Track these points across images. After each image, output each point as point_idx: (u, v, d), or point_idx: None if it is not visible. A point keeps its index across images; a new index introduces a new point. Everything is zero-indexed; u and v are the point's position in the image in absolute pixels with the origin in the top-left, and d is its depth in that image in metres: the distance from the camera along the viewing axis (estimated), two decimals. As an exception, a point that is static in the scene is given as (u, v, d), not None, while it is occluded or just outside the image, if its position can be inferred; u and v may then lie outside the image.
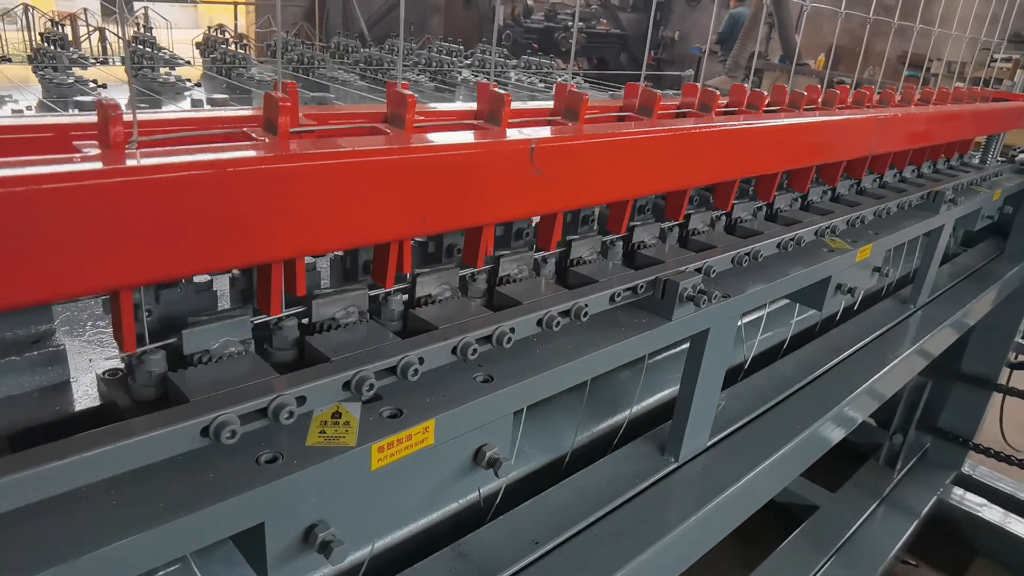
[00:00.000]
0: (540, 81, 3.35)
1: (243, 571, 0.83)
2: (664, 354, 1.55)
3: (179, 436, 0.58)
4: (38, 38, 2.87)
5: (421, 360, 0.74)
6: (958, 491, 3.01)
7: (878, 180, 1.85)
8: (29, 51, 2.57)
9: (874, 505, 2.73)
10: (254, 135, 0.65)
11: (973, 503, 2.95)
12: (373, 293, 0.82)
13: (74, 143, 0.55)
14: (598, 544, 1.02)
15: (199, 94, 2.12)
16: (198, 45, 3.12)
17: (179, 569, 0.77)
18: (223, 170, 0.54)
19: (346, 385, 0.68)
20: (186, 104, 2.00)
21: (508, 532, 1.00)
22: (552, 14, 14.31)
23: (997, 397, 2.97)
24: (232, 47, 2.74)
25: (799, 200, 1.57)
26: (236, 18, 9.37)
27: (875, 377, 1.61)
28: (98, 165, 0.50)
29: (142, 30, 2.86)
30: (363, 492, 0.69)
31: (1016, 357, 2.98)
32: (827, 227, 1.45)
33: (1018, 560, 2.81)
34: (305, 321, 0.77)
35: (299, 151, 0.59)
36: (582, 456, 1.26)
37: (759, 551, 2.41)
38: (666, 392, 1.51)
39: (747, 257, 1.22)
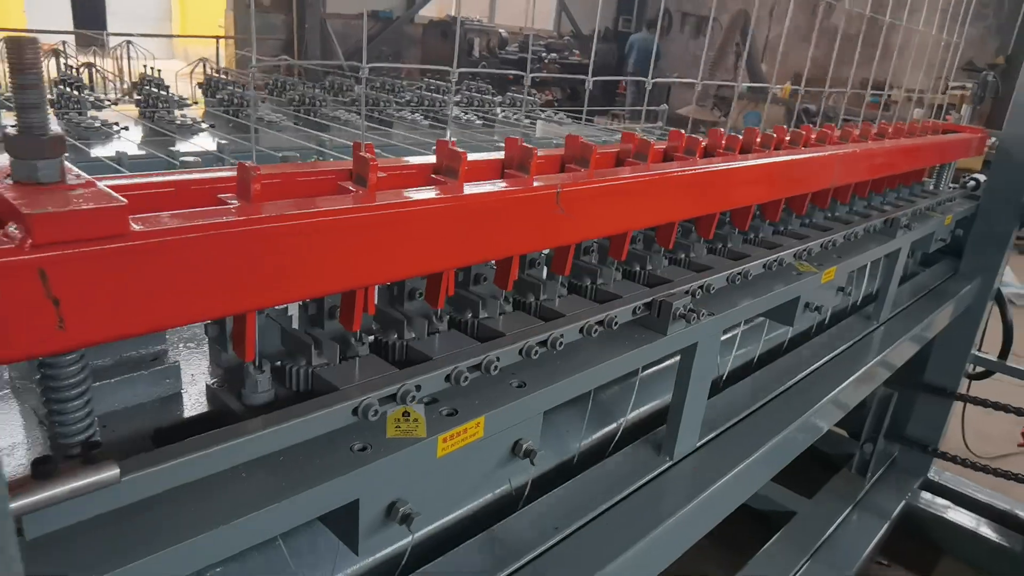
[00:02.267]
0: (525, 117, 3.55)
1: (316, 558, 0.97)
2: (652, 369, 1.71)
3: (336, 416, 0.74)
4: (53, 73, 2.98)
5: (466, 372, 0.90)
6: (925, 495, 3.21)
7: (840, 209, 2.06)
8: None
9: (847, 510, 2.91)
10: (350, 187, 0.81)
11: (939, 506, 3.15)
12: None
13: (219, 196, 0.71)
14: (608, 529, 1.18)
15: (212, 137, 2.27)
16: (200, 84, 3.27)
17: (270, 551, 0.91)
18: (340, 217, 0.70)
19: (414, 389, 0.84)
20: (212, 144, 2.14)
21: (532, 519, 1.16)
22: (526, 45, 14.66)
23: (959, 407, 3.18)
24: (239, 88, 2.89)
25: (772, 228, 1.76)
26: (219, 51, 9.54)
27: (842, 386, 1.80)
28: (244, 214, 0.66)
29: (148, 70, 3.00)
30: (430, 475, 0.84)
31: (974, 368, 3.20)
32: (795, 252, 1.64)
33: (982, 558, 3.01)
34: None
35: (390, 201, 0.76)
36: (588, 457, 1.42)
37: (741, 555, 2.56)
38: (656, 403, 1.67)
39: (740, 276, 1.41)
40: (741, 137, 1.52)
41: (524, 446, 0.95)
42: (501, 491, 1.21)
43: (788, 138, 1.65)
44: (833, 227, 1.85)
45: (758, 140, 1.54)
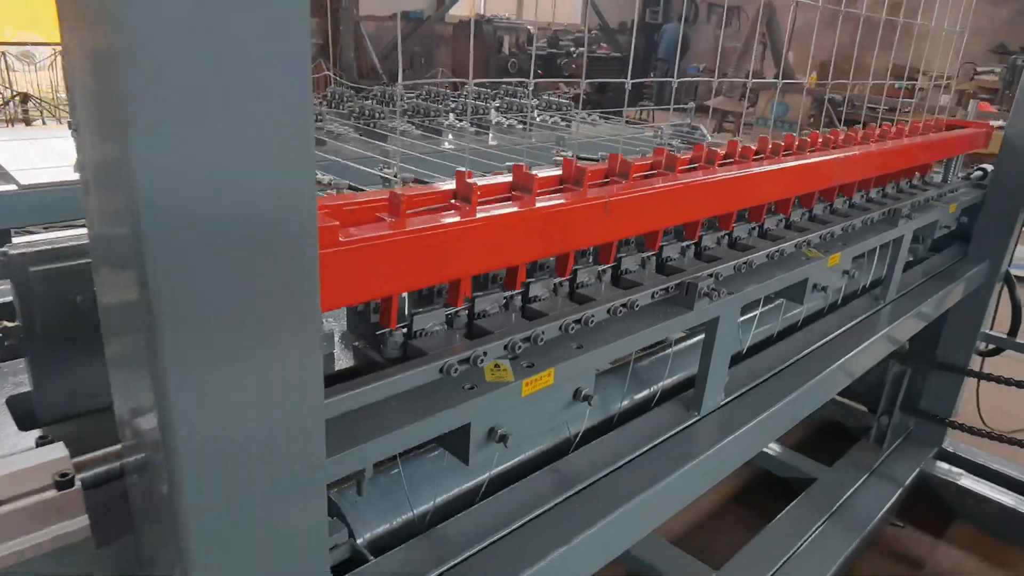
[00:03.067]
0: (561, 119, 3.84)
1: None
2: (682, 345, 2.00)
3: (428, 372, 1.06)
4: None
5: (543, 333, 1.21)
6: (940, 464, 3.45)
7: (847, 202, 2.32)
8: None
9: (864, 477, 3.17)
10: (456, 204, 1.13)
11: (953, 473, 3.39)
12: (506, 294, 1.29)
13: (377, 214, 1.03)
14: (647, 464, 1.48)
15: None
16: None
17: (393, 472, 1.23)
18: (455, 228, 1.02)
19: (506, 347, 1.16)
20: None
21: (586, 458, 1.46)
22: (554, 40, 14.92)
23: (972, 384, 3.41)
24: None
25: (784, 221, 2.04)
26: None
27: (848, 356, 2.07)
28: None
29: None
30: (517, 409, 1.16)
31: (987, 346, 3.43)
32: (804, 241, 1.92)
33: (993, 522, 3.24)
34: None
35: (490, 214, 1.07)
36: (628, 416, 1.72)
37: (765, 518, 2.85)
38: (685, 373, 1.96)
39: (744, 265, 1.70)
40: (754, 146, 1.80)
41: (583, 392, 1.26)
42: (561, 437, 1.52)
43: (796, 144, 1.93)
44: (832, 220, 2.12)
45: (769, 147, 1.82)
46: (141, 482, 0.74)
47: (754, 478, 3.42)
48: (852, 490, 3.07)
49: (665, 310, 1.49)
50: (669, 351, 1.86)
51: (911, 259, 3.05)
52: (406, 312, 1.19)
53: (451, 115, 3.51)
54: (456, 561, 1.17)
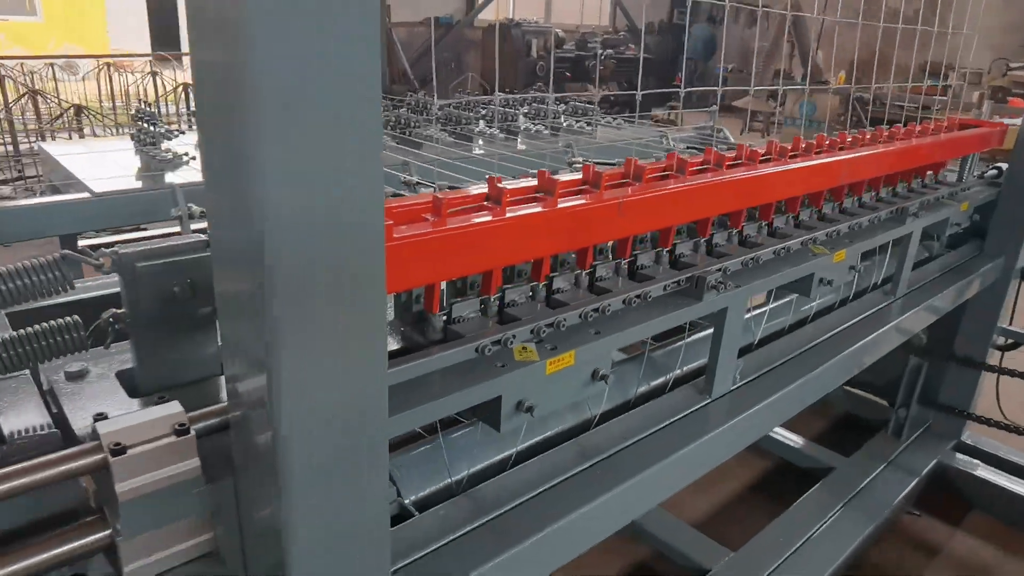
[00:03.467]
0: (587, 124, 4.00)
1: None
2: (695, 336, 2.15)
3: (466, 352, 1.23)
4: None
5: (564, 320, 1.38)
6: (959, 456, 3.54)
7: (858, 200, 2.45)
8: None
9: (881, 467, 3.28)
10: (487, 205, 1.30)
11: (971, 465, 3.47)
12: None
13: (422, 215, 1.21)
14: (663, 439, 1.64)
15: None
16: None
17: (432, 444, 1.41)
18: (484, 227, 1.19)
19: (532, 332, 1.33)
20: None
21: (605, 434, 1.63)
22: (582, 43, 15.04)
23: (991, 377, 3.48)
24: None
25: (793, 220, 2.18)
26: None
27: (855, 346, 2.20)
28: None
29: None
30: (542, 385, 1.33)
31: (1006, 341, 3.51)
32: (811, 238, 2.06)
33: (1010, 512, 3.32)
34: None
35: (518, 214, 1.24)
36: (644, 400, 1.88)
37: (783, 506, 2.97)
38: (698, 363, 2.11)
39: (752, 260, 1.85)
40: (761, 150, 1.95)
41: (600, 372, 1.43)
42: (583, 418, 1.69)
43: (802, 146, 2.07)
44: (839, 219, 2.25)
45: (776, 149, 1.97)
46: (243, 434, 0.92)
47: (774, 468, 3.54)
48: (869, 479, 3.18)
49: (676, 301, 1.65)
50: (682, 342, 2.01)
51: (927, 256, 3.15)
52: (445, 302, 1.37)
53: (481, 122, 3.70)
54: (489, 517, 1.34)
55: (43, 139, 7.96)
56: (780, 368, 2.03)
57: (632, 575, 2.90)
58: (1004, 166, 3.27)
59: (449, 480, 1.46)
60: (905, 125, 2.61)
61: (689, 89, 2.45)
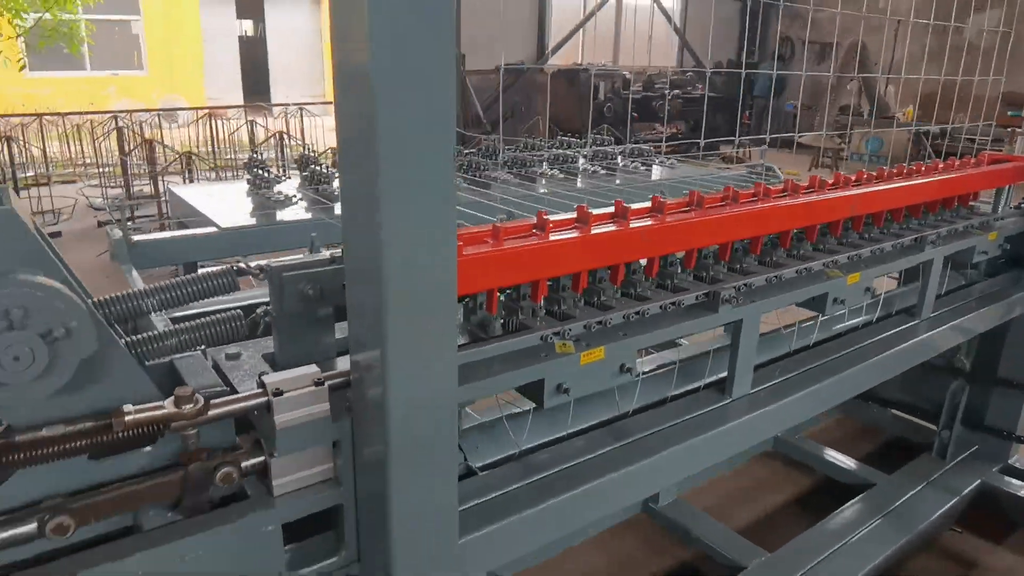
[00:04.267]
0: (642, 165, 4.37)
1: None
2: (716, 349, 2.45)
3: (517, 344, 1.62)
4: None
5: (599, 323, 1.75)
6: (1004, 477, 3.65)
7: (882, 230, 2.71)
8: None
9: (922, 484, 3.44)
10: (535, 232, 1.69)
11: (1016, 486, 3.58)
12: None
13: (485, 239, 1.60)
14: (689, 426, 1.97)
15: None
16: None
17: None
18: (531, 248, 1.58)
19: (585, 327, 1.70)
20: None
21: (639, 421, 1.97)
22: (649, 84, 15.44)
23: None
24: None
25: (811, 247, 2.47)
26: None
27: (871, 360, 2.46)
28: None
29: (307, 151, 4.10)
30: (578, 373, 1.69)
31: (1054, 366, 3.63)
32: (831, 261, 2.36)
33: (1057, 533, 3.42)
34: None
35: (561, 238, 1.63)
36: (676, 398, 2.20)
37: (822, 518, 3.19)
38: (721, 375, 2.41)
39: (775, 278, 2.17)
40: (780, 186, 2.27)
41: (627, 366, 1.78)
42: (618, 413, 2.04)
43: (831, 181, 2.38)
44: (861, 244, 2.54)
45: (806, 184, 2.29)
46: (360, 390, 1.33)
47: (818, 484, 3.74)
48: (908, 495, 3.35)
49: (696, 313, 1.98)
50: (710, 351, 2.33)
51: (963, 283, 3.36)
52: (503, 309, 1.76)
53: (544, 164, 4.11)
54: (538, 476, 1.71)
55: (154, 182, 8.89)
56: (797, 376, 2.32)
57: (678, 573, 3.16)
58: (1037, 199, 3.44)
59: (508, 453, 1.84)
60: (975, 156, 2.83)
61: (744, 130, 2.78)
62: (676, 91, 15.52)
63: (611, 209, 1.91)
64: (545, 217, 1.69)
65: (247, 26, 23.51)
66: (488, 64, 13.47)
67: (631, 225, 1.80)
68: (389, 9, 1.06)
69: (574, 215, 1.83)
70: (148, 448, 1.30)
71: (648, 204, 1.98)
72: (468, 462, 1.76)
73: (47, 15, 9.12)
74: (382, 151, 1.10)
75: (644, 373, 2.24)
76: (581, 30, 16.53)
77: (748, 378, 2.19)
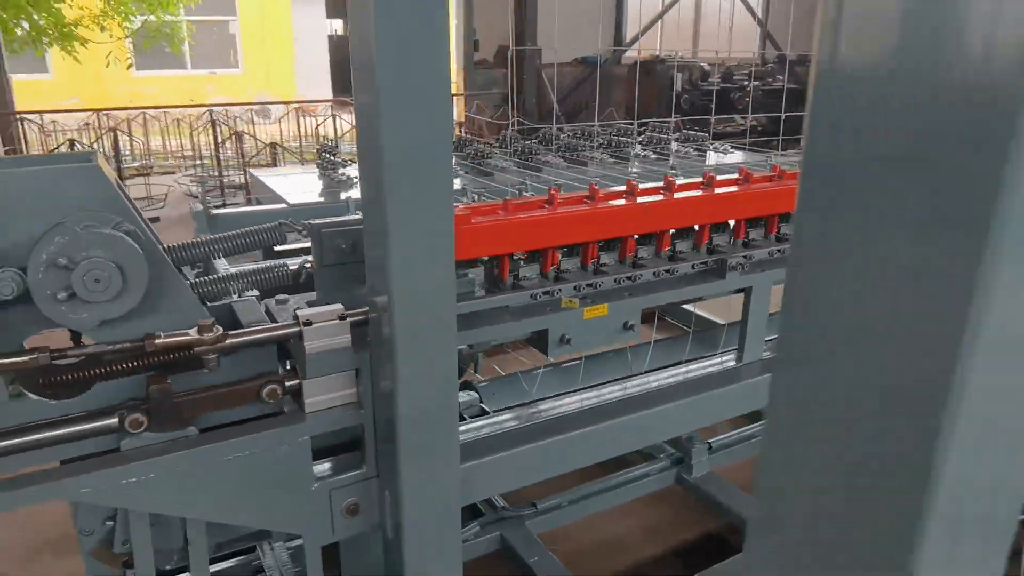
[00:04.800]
0: (695, 150, 4.47)
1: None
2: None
3: (524, 296, 1.82)
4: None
5: (601, 283, 1.92)
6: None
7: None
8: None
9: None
10: (544, 205, 1.88)
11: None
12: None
13: (497, 210, 1.81)
14: (705, 381, 2.12)
15: (459, 180, 3.50)
16: (454, 143, 4.60)
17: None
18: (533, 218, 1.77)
19: (575, 288, 1.88)
20: (458, 184, 3.36)
21: (644, 380, 2.13)
22: (728, 75, 15.19)
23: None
24: (482, 144, 4.16)
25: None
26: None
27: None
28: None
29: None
30: (582, 326, 1.87)
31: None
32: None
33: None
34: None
35: (569, 211, 1.81)
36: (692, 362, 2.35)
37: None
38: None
39: (778, 251, 2.28)
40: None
41: (629, 323, 1.95)
42: (630, 373, 2.21)
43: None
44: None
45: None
46: (376, 327, 1.56)
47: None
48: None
49: (705, 279, 2.13)
50: (723, 328, 2.46)
51: None
52: (520, 271, 1.96)
53: (596, 149, 4.27)
54: (548, 418, 1.90)
55: (244, 171, 9.52)
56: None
57: (707, 542, 3.28)
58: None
59: (521, 402, 2.04)
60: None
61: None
62: (756, 82, 15.21)
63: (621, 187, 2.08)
64: (554, 193, 1.88)
65: (336, 26, 24.43)
66: (565, 57, 13.61)
67: (638, 201, 1.96)
68: (394, 14, 1.28)
69: (586, 193, 2.01)
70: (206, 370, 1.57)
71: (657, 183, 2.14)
72: (483, 403, 1.97)
73: (151, 17, 9.88)
74: (385, 144, 1.32)
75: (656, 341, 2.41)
76: (660, 20, 16.41)
77: (759, 344, 2.31)
